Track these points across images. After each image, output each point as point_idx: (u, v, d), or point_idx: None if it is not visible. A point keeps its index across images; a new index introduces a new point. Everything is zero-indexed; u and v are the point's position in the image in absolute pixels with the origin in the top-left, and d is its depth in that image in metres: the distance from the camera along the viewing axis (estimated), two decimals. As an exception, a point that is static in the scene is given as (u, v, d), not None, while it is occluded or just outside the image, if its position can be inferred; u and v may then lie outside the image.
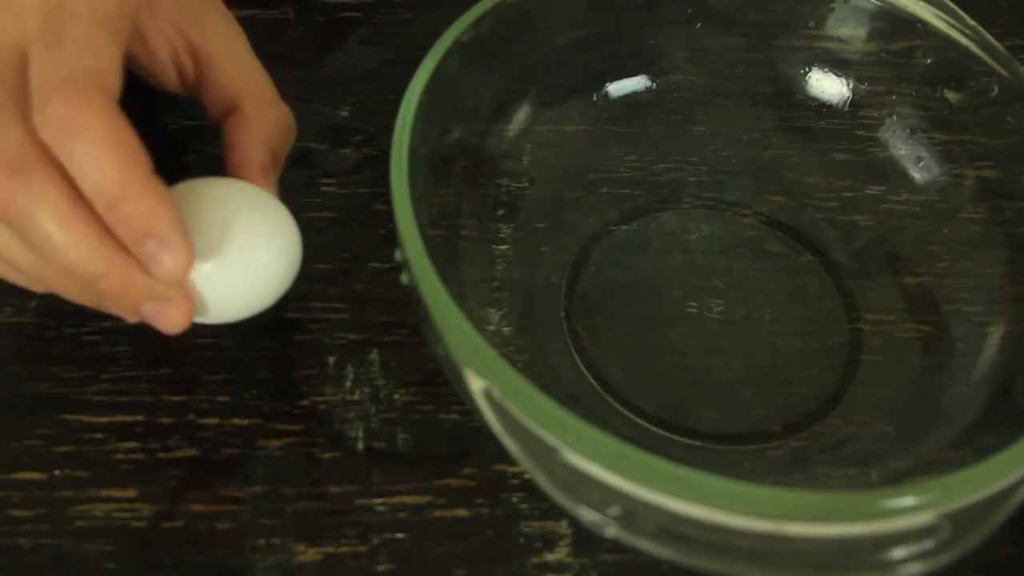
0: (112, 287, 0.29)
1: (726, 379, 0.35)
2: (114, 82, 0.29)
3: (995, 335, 0.35)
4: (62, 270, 0.29)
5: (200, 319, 0.31)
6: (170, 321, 0.30)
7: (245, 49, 0.35)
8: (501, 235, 0.37)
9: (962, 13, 0.38)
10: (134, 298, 0.29)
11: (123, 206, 0.28)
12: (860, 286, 0.38)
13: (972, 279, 0.37)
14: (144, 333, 0.34)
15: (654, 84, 0.41)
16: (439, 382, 0.34)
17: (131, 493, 0.31)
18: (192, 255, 0.29)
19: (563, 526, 0.32)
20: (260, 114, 0.34)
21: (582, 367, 0.35)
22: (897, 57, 0.40)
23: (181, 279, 0.29)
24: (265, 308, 0.32)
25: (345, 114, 0.41)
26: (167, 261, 0.28)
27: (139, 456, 0.32)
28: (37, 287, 0.31)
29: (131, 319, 0.31)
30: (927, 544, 0.26)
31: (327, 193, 0.39)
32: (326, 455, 0.33)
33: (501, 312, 0.35)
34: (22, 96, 0.28)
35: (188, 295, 0.30)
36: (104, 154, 0.27)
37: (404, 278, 0.30)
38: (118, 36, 0.29)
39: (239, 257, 0.30)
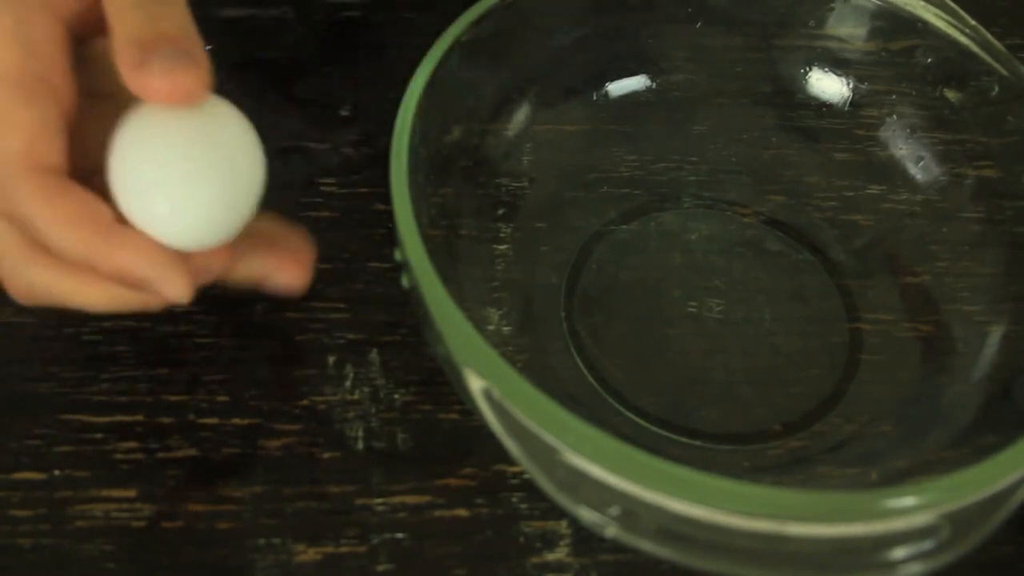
0: (98, 264, 0.28)
1: (726, 379, 0.35)
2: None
3: (995, 335, 0.35)
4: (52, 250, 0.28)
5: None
6: (176, 291, 0.28)
7: None
8: (501, 235, 0.37)
9: (962, 13, 0.38)
10: (115, 269, 0.28)
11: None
12: (860, 286, 0.38)
13: (972, 279, 0.37)
14: (144, 333, 0.35)
15: (654, 84, 0.41)
16: (439, 382, 0.34)
17: (131, 493, 0.31)
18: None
19: (563, 526, 0.32)
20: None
21: (582, 367, 0.35)
22: (897, 56, 0.40)
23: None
24: (232, 230, 0.29)
25: (345, 114, 0.41)
26: (181, 75, 0.26)
27: (139, 456, 0.32)
28: (21, 292, 0.30)
29: (136, 303, 0.29)
30: (927, 544, 0.26)
31: (327, 193, 0.39)
32: (326, 455, 0.33)
33: (501, 312, 0.35)
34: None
35: (185, 265, 0.28)
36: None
37: (404, 281, 0.30)
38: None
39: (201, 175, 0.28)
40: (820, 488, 0.32)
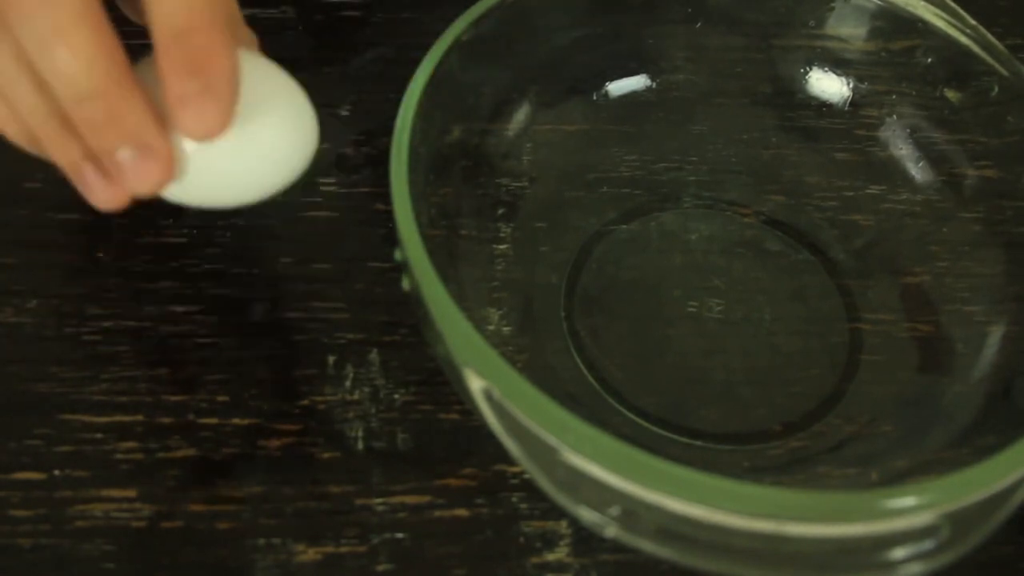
0: (97, 113, 0.26)
1: (726, 379, 0.35)
2: None
3: (995, 335, 0.35)
4: (48, 90, 0.26)
5: (187, 199, 0.28)
6: (145, 178, 0.27)
7: None
8: (501, 235, 0.37)
9: (962, 12, 0.38)
10: (116, 135, 0.26)
11: (193, 37, 0.25)
12: (860, 286, 0.38)
13: (972, 279, 0.37)
14: (144, 333, 0.35)
15: (654, 83, 0.41)
16: (439, 382, 0.34)
17: (131, 493, 0.31)
18: (231, 119, 0.26)
19: (563, 526, 0.32)
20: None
21: (582, 367, 0.35)
22: (897, 56, 0.40)
23: (207, 136, 0.26)
24: (264, 196, 0.29)
25: (345, 113, 0.41)
26: (201, 111, 0.25)
27: (139, 456, 0.32)
28: (19, 128, 0.28)
29: (98, 190, 0.28)
30: (927, 544, 0.26)
31: (327, 193, 0.39)
32: (326, 455, 0.33)
33: (501, 312, 0.35)
34: None
35: (172, 151, 0.27)
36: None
37: (405, 283, 0.30)
38: None
39: (240, 131, 0.27)
40: (820, 488, 0.32)
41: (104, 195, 0.28)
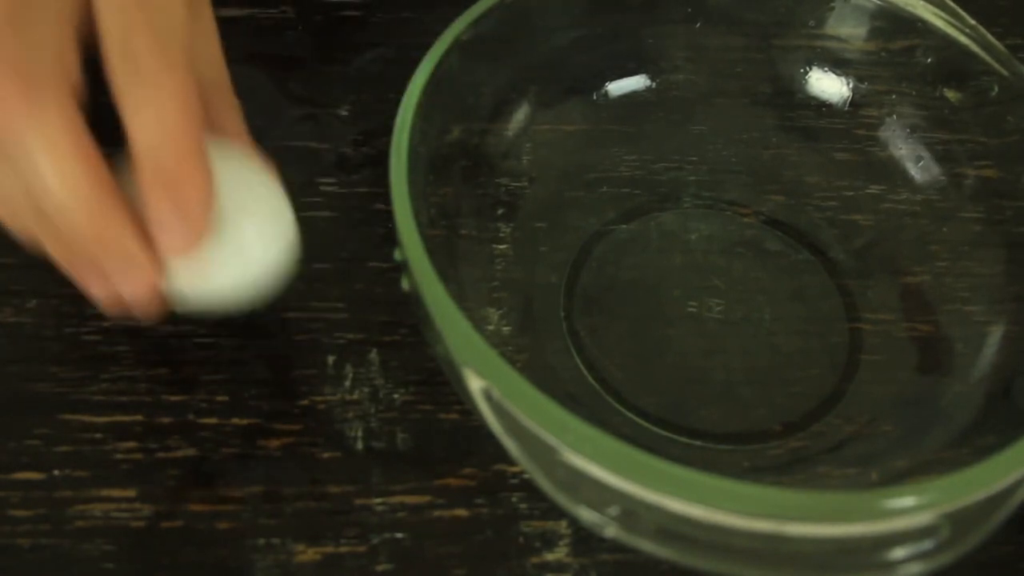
0: (84, 230, 0.27)
1: (726, 379, 0.35)
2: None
3: (995, 335, 0.35)
4: (45, 216, 0.27)
5: (180, 305, 0.30)
6: (137, 292, 0.29)
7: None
8: (501, 234, 0.37)
9: (962, 12, 0.38)
10: (102, 250, 0.28)
11: (172, 165, 0.27)
12: (860, 285, 0.38)
13: (972, 279, 0.37)
14: (144, 333, 0.34)
15: (654, 83, 0.41)
16: (439, 382, 0.34)
17: (130, 493, 0.31)
18: (200, 238, 0.28)
19: (562, 526, 0.32)
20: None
21: (582, 367, 0.35)
22: (897, 56, 0.40)
23: (182, 254, 0.28)
24: (251, 304, 0.31)
25: (344, 113, 0.41)
26: (177, 233, 0.27)
27: (138, 456, 0.32)
28: (20, 230, 0.29)
29: (102, 298, 0.30)
30: (927, 544, 0.26)
31: (326, 192, 0.39)
32: (325, 455, 0.33)
33: (500, 312, 0.35)
34: (75, 19, 0.27)
35: (155, 260, 0.28)
36: (179, 115, 0.27)
37: (404, 283, 0.30)
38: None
39: (227, 239, 0.29)
40: (820, 488, 0.32)
41: (101, 294, 0.30)
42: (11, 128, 0.26)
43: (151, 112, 0.27)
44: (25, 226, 0.29)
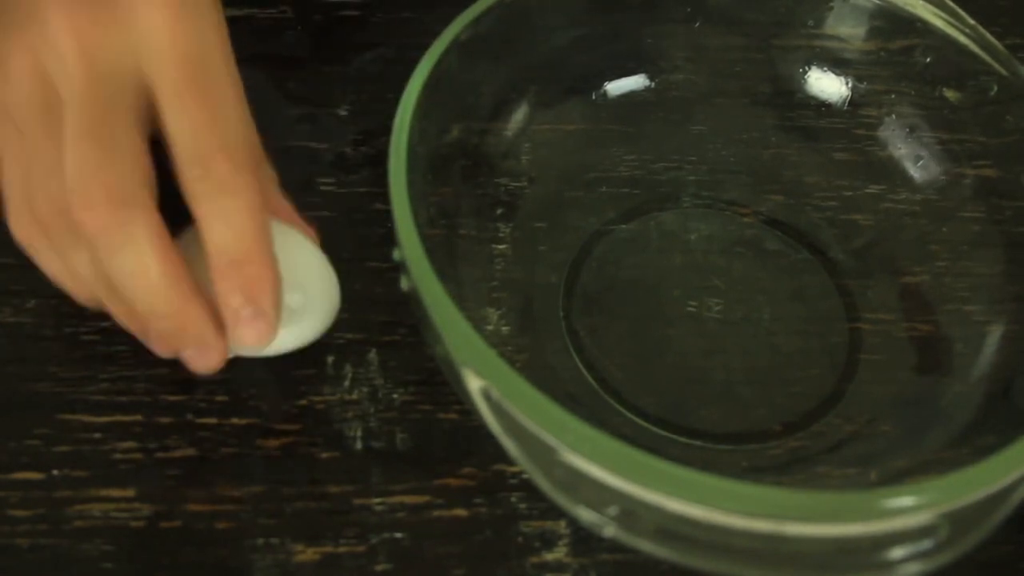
0: (168, 328, 0.30)
1: (726, 379, 0.35)
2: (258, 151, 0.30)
3: (995, 335, 0.35)
4: (123, 298, 0.30)
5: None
6: (206, 365, 0.31)
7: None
8: (500, 234, 0.37)
9: (961, 12, 0.38)
10: (182, 341, 0.30)
11: (246, 268, 0.29)
12: (860, 285, 0.38)
13: (971, 278, 0.37)
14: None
15: (653, 83, 0.41)
16: (438, 382, 0.34)
17: (130, 493, 0.31)
18: (275, 332, 0.30)
19: (562, 526, 0.32)
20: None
21: (581, 367, 0.35)
22: (896, 56, 0.40)
23: (258, 347, 0.30)
24: (295, 349, 0.32)
25: (344, 113, 0.41)
26: (254, 329, 0.29)
27: (138, 456, 0.32)
28: (86, 300, 0.32)
29: (162, 353, 0.31)
30: (926, 544, 0.26)
31: (326, 192, 0.39)
32: (325, 455, 0.33)
33: (500, 312, 0.35)
34: (143, 119, 0.29)
35: (226, 345, 0.31)
36: (250, 220, 0.29)
37: (403, 283, 0.30)
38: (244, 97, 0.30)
39: (283, 314, 0.31)
40: (820, 488, 0.32)
41: (163, 354, 0.32)
42: (100, 235, 0.28)
43: (224, 219, 0.29)
44: (93, 297, 0.31)
